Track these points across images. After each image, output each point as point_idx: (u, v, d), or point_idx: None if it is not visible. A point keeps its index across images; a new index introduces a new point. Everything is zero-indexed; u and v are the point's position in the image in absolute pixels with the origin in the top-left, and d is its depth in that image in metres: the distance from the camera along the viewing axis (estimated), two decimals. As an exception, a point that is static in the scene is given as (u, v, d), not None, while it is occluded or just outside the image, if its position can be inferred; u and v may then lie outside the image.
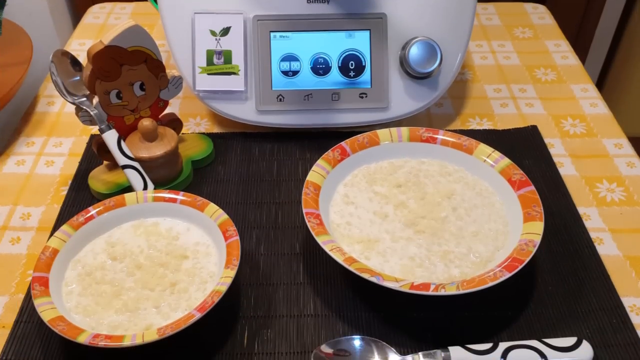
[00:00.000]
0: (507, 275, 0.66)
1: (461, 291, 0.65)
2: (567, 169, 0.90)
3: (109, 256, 0.73)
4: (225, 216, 0.74)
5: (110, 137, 0.82)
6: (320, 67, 0.92)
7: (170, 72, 0.86)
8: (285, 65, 0.92)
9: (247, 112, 0.93)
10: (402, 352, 0.67)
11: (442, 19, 0.93)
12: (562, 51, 1.17)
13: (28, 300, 0.73)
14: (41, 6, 1.43)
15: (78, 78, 0.84)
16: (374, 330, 0.70)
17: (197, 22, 0.91)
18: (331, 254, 0.68)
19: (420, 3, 0.92)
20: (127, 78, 0.82)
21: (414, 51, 0.90)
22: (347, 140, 0.83)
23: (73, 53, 0.85)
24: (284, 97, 0.92)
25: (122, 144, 0.82)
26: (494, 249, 0.73)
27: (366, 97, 0.92)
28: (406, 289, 0.65)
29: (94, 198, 0.86)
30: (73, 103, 0.82)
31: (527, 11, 1.28)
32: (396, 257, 0.72)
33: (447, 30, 0.93)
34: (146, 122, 0.83)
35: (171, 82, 0.86)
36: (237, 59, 0.91)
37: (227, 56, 0.91)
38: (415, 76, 0.92)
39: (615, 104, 1.76)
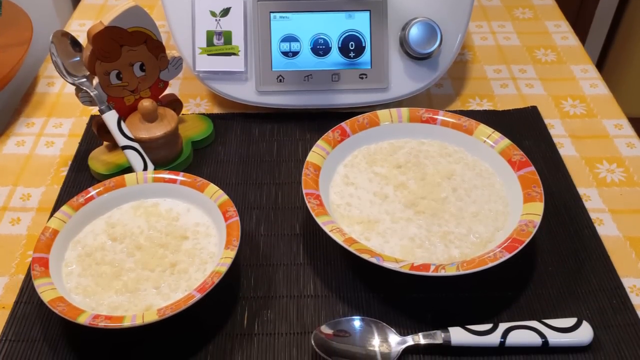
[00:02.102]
0: (507, 255, 0.66)
1: (461, 272, 0.65)
2: (567, 150, 0.90)
3: (109, 237, 0.73)
4: (225, 197, 0.74)
5: (110, 118, 0.82)
6: (320, 48, 0.91)
7: (170, 52, 0.86)
8: (285, 46, 0.91)
9: (247, 92, 0.93)
10: (402, 333, 0.67)
11: (442, 0, 0.92)
12: (562, 32, 1.17)
13: (28, 281, 0.73)
14: (40, -14, 1.42)
15: (78, 59, 0.83)
16: (374, 311, 0.70)
17: (197, 3, 0.90)
18: (331, 234, 0.68)
19: (420, -17, 0.92)
20: (127, 59, 0.82)
21: (414, 32, 0.90)
22: (347, 120, 0.83)
23: (73, 34, 0.84)
24: (284, 78, 0.92)
25: (122, 124, 0.82)
26: (494, 229, 0.73)
27: (366, 77, 0.92)
28: (406, 270, 0.65)
29: (94, 179, 0.85)
30: (73, 84, 0.82)
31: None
32: (396, 238, 0.72)
33: (447, 11, 0.92)
34: (146, 103, 0.82)
35: (171, 62, 0.86)
36: (237, 40, 0.91)
37: (227, 37, 0.91)
38: (415, 57, 0.92)
39: (615, 85, 1.76)
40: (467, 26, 0.94)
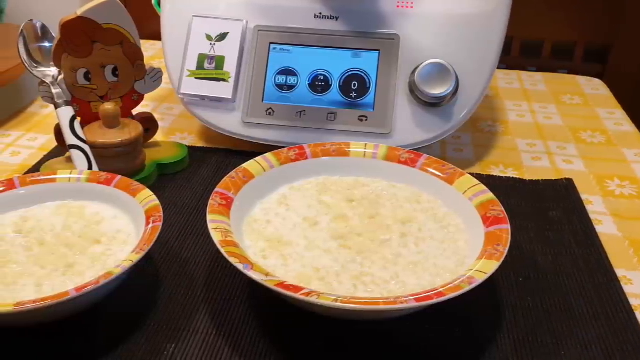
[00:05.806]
0: (408, 305, 0.52)
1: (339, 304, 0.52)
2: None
3: (14, 229, 0.66)
4: (155, 202, 0.65)
5: (64, 114, 0.76)
6: (319, 85, 0.84)
7: (150, 63, 0.81)
8: (281, 79, 0.85)
9: (232, 123, 0.86)
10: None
11: (463, 45, 0.83)
12: (616, 118, 1.05)
13: None
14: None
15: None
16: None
17: (195, 25, 0.86)
18: (212, 232, 0.58)
19: (438, 25, 0.83)
20: (99, 58, 0.78)
21: (425, 72, 0.80)
22: (312, 143, 0.74)
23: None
24: (274, 111, 0.84)
25: (76, 123, 0.76)
26: (428, 284, 0.59)
27: (366, 120, 0.83)
28: (270, 285, 0.53)
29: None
30: (31, 73, 0.79)
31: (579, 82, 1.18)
32: (299, 264, 0.60)
33: (467, 56, 0.83)
34: (108, 105, 0.77)
35: (149, 74, 0.80)
36: (229, 66, 0.85)
37: (219, 62, 0.85)
38: (426, 102, 0.82)
39: None
40: (490, 77, 0.83)
